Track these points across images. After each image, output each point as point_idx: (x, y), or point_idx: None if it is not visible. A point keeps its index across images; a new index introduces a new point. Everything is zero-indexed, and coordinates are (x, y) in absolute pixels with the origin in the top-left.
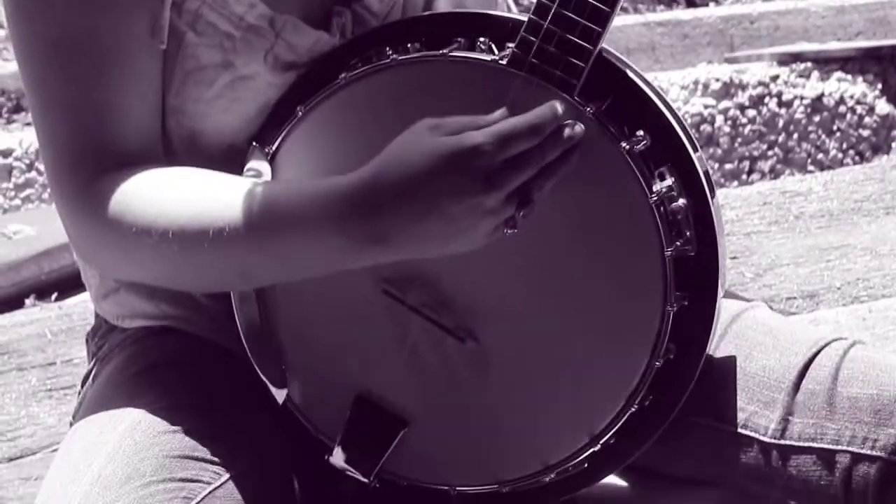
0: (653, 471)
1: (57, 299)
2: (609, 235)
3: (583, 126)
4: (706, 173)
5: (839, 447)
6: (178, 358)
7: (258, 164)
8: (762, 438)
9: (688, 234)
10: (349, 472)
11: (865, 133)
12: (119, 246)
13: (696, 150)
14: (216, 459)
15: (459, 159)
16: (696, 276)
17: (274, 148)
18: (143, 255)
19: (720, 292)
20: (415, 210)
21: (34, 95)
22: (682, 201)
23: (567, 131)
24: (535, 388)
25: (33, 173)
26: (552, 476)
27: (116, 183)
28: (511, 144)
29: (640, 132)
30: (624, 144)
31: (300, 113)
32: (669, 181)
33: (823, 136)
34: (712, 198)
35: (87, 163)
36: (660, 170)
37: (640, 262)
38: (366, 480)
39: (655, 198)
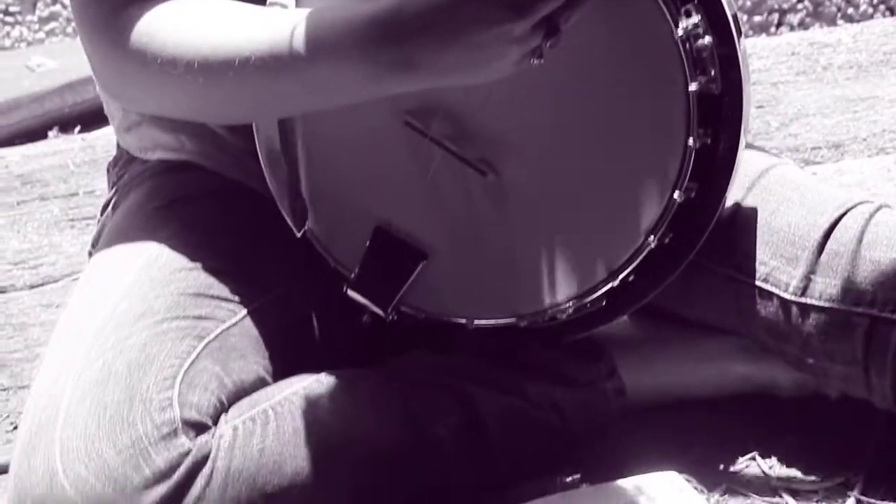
0: (674, 314)
1: (80, 132)
2: (633, 70)
3: None
4: (734, 16)
5: (860, 309)
6: (198, 193)
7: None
8: (783, 294)
9: (712, 72)
10: (367, 305)
11: None
12: (143, 78)
13: None
14: (232, 297)
15: None
16: (719, 114)
17: None
18: (167, 87)
19: (743, 133)
20: (441, 37)
21: None
22: (707, 39)
23: None
24: (554, 222)
25: (58, 6)
26: (570, 311)
27: (141, 13)
28: None
29: None
30: None
31: None
32: (696, 18)
33: None
34: (739, 39)
35: None
36: (686, 7)
37: (664, 97)
38: (383, 313)
39: (681, 33)
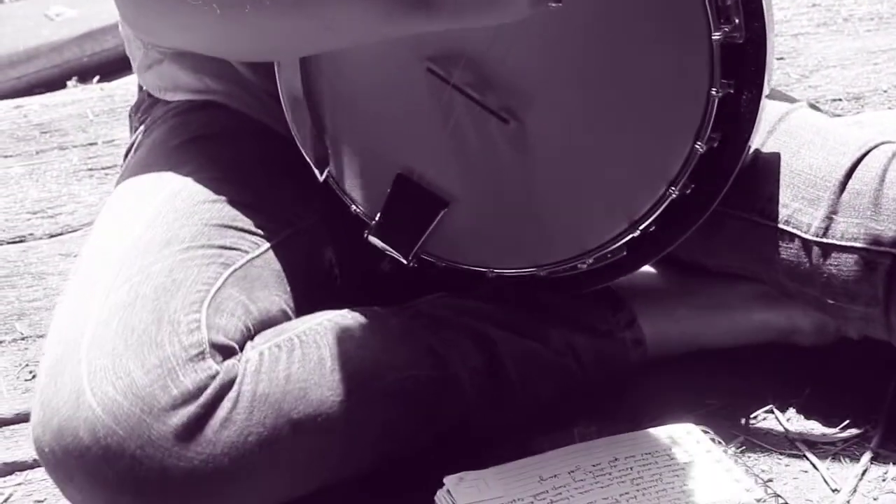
0: (695, 264)
1: (99, 81)
2: (656, 19)
3: None
4: None
5: (882, 248)
6: (221, 131)
7: None
8: (804, 235)
9: (736, 21)
10: (387, 251)
11: None
12: (166, 10)
13: None
14: (256, 230)
15: None
16: (743, 64)
17: None
18: (184, 19)
19: (766, 84)
20: None
21: None
22: None
23: None
24: (576, 172)
25: None
26: (590, 262)
27: None
28: None
29: None
30: None
31: None
32: None
33: None
34: None
35: None
36: None
37: (687, 46)
38: (404, 260)
39: None
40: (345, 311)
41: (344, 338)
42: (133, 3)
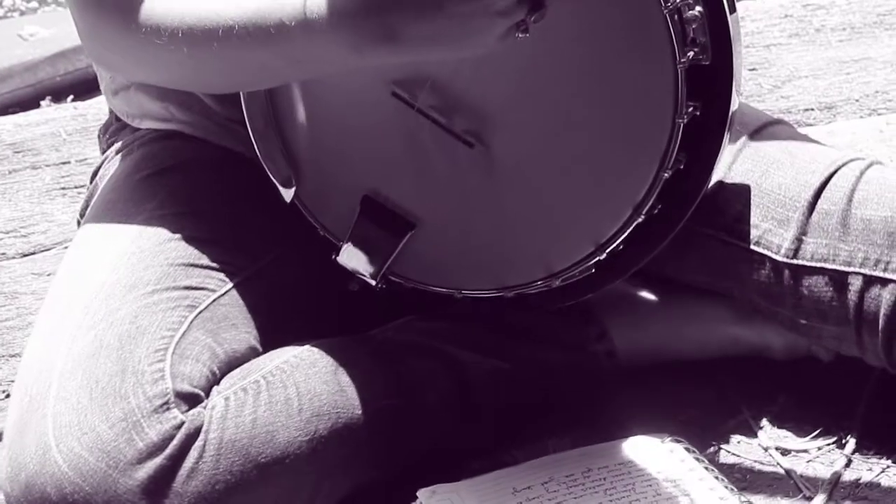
0: (667, 279)
1: (73, 101)
2: (621, 45)
3: None
4: None
5: (851, 269)
6: (186, 162)
7: None
8: (775, 257)
9: (703, 43)
10: (356, 273)
11: None
12: (128, 46)
13: None
14: (222, 266)
15: None
16: (709, 85)
17: None
18: (152, 56)
19: (733, 105)
20: (423, 8)
21: None
22: (697, 10)
23: None
24: (541, 195)
25: None
26: (557, 283)
27: None
28: None
29: None
30: None
31: None
32: None
33: None
34: (730, 11)
35: None
36: None
37: (653, 72)
38: (372, 281)
39: (669, 4)
40: (311, 345)
41: (310, 374)
42: (99, 41)
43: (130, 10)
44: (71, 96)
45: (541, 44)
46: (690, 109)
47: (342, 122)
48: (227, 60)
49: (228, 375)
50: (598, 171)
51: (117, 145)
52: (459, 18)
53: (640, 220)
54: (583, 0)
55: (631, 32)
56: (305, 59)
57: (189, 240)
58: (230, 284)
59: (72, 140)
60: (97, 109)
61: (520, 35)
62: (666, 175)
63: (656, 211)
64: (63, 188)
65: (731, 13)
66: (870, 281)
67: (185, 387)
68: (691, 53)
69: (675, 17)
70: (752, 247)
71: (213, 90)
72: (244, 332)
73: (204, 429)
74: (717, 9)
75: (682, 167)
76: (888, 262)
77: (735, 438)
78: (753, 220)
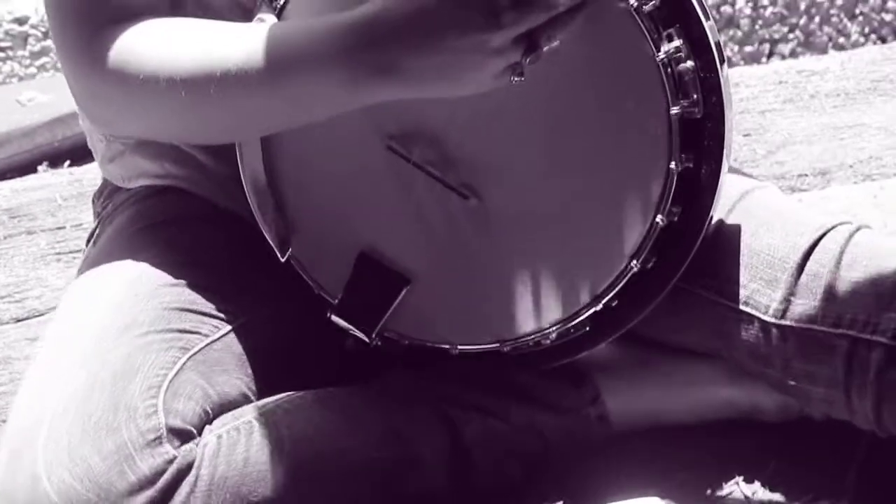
0: (657, 341)
1: (70, 166)
2: (615, 94)
3: None
4: (717, 43)
5: (839, 330)
6: (181, 216)
7: (266, 17)
8: (763, 317)
9: (695, 96)
10: (351, 331)
11: (888, 17)
12: (124, 97)
13: (707, 18)
14: (216, 313)
15: None
16: (702, 138)
17: (282, 2)
18: (149, 105)
19: (726, 158)
20: (420, 42)
21: None
22: (689, 63)
23: None
24: (537, 247)
25: (49, 41)
26: (553, 336)
27: (121, 32)
28: None
29: None
30: (632, 1)
31: None
32: (677, 42)
33: (845, 20)
34: (721, 65)
35: (91, 15)
36: (668, 31)
37: (646, 120)
38: (367, 339)
39: (663, 56)
40: (305, 393)
41: (302, 419)
42: (94, 95)
43: (126, 63)
44: (68, 161)
45: (534, 94)
46: (684, 158)
47: (337, 179)
48: (223, 105)
49: (221, 417)
50: (594, 220)
51: (111, 207)
52: (455, 54)
53: (635, 269)
54: (577, 49)
55: (625, 82)
56: (303, 98)
57: (184, 286)
58: (224, 331)
59: (67, 205)
60: (93, 175)
61: (515, 79)
62: (660, 222)
63: (650, 265)
64: (58, 253)
65: (722, 70)
66: (858, 343)
67: (178, 423)
68: (684, 103)
69: (668, 68)
70: (741, 307)
71: (210, 139)
72: (236, 378)
73: (196, 465)
74: (708, 64)
75: (676, 220)
76: (876, 324)
77: (727, 502)
78: (742, 280)
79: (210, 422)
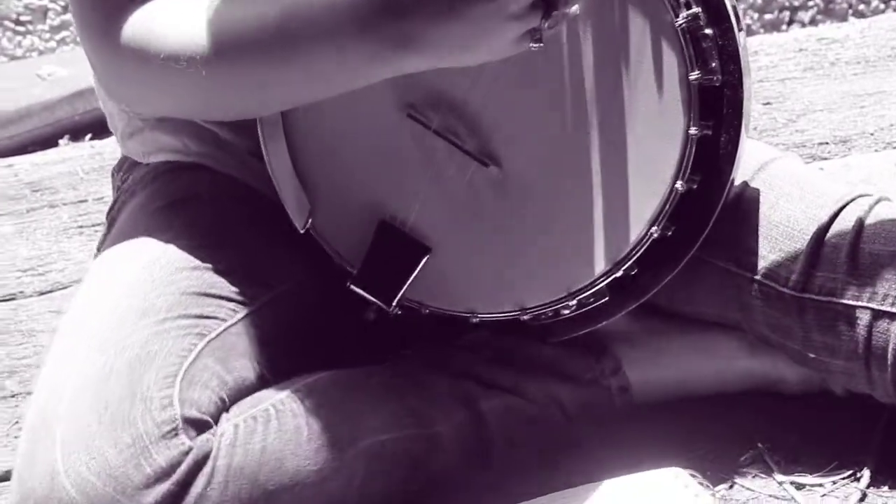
0: (677, 312)
1: (91, 139)
2: (634, 60)
3: None
4: (734, 8)
5: (860, 303)
6: (201, 193)
7: None
8: (782, 290)
9: (713, 64)
10: (371, 300)
11: None
12: (145, 76)
13: None
14: (234, 296)
15: None
16: (720, 106)
17: None
18: (170, 83)
19: (745, 125)
20: (437, 10)
21: None
22: (708, 30)
23: None
24: (556, 214)
25: (68, 15)
26: (573, 305)
27: (140, 12)
28: None
29: None
30: None
31: None
32: (696, 9)
33: None
34: (739, 31)
35: None
36: None
37: (665, 87)
38: (387, 308)
39: (682, 22)
40: (322, 375)
41: (321, 403)
42: (115, 75)
43: (147, 42)
44: (89, 135)
45: (552, 61)
46: (703, 125)
47: (357, 148)
48: (245, 79)
49: (238, 403)
50: (613, 186)
51: (130, 181)
52: (472, 21)
53: (655, 236)
54: (596, 16)
55: (644, 49)
56: (323, 71)
57: (202, 269)
58: (242, 314)
59: (89, 179)
60: (114, 148)
61: (533, 46)
62: (679, 188)
63: (670, 233)
64: (80, 226)
65: (739, 37)
66: (878, 315)
67: (194, 413)
68: (703, 70)
69: (687, 34)
70: (760, 278)
71: (232, 115)
72: (254, 362)
73: (212, 455)
74: (727, 31)
75: (695, 187)
76: None
77: (749, 473)
78: (762, 251)
79: (227, 409)
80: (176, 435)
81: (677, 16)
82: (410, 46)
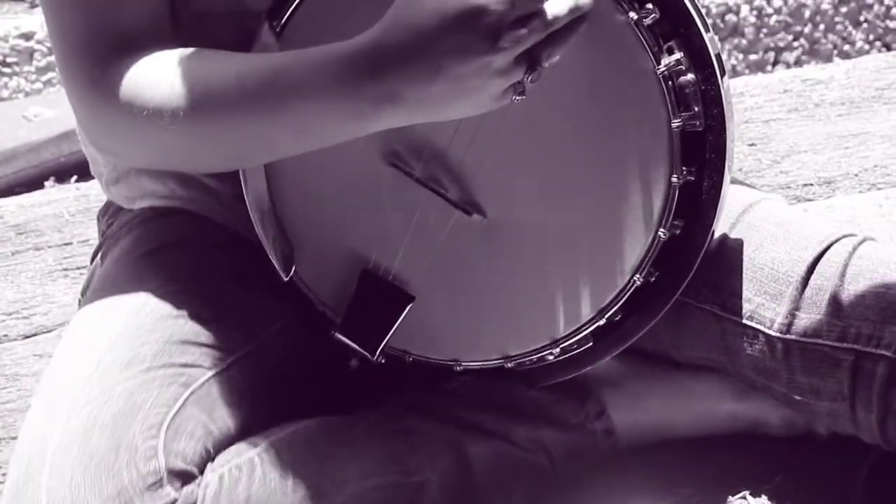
0: (661, 356)
1: (77, 181)
2: (616, 108)
3: None
4: (717, 55)
5: (844, 344)
6: (185, 238)
7: (267, 39)
8: (768, 332)
9: (696, 109)
10: (355, 349)
11: (893, 24)
12: (130, 130)
13: (707, 30)
14: (219, 344)
15: (466, 18)
16: (703, 151)
17: (282, 22)
18: (155, 137)
19: (727, 170)
20: (422, 69)
21: None
22: (690, 76)
23: None
24: (540, 262)
25: (54, 57)
26: (557, 352)
27: (126, 66)
28: (519, 4)
29: (649, 5)
30: (632, 15)
31: None
32: (678, 55)
33: (850, 27)
34: (722, 77)
35: (96, 48)
36: (668, 44)
37: (647, 134)
38: (371, 356)
39: (663, 69)
40: (307, 422)
41: (305, 451)
42: (100, 127)
43: (133, 97)
44: (74, 177)
45: (535, 111)
46: (685, 171)
47: (341, 197)
48: (230, 135)
49: (223, 453)
50: (597, 235)
51: (115, 226)
52: (458, 80)
53: (638, 283)
54: (577, 65)
55: (626, 96)
56: (307, 128)
57: (187, 318)
58: (226, 363)
59: (74, 221)
60: (99, 191)
61: (516, 98)
62: (662, 236)
63: (653, 278)
64: (65, 269)
65: (723, 82)
66: (863, 356)
67: (179, 464)
68: (685, 116)
69: (669, 81)
70: (745, 321)
71: (216, 168)
72: (240, 411)
73: None
74: (709, 76)
75: (678, 233)
76: (880, 338)
77: None
78: (746, 294)
79: (212, 459)
80: (161, 486)
81: (659, 62)
82: (394, 103)
